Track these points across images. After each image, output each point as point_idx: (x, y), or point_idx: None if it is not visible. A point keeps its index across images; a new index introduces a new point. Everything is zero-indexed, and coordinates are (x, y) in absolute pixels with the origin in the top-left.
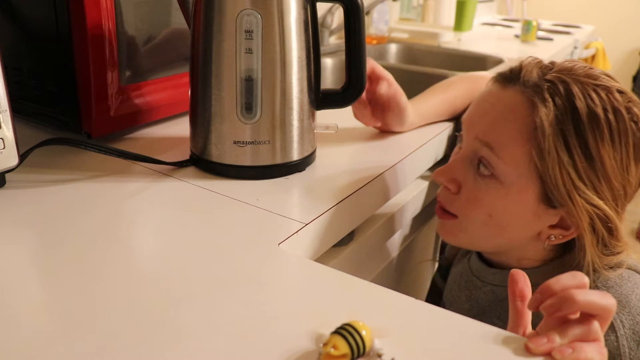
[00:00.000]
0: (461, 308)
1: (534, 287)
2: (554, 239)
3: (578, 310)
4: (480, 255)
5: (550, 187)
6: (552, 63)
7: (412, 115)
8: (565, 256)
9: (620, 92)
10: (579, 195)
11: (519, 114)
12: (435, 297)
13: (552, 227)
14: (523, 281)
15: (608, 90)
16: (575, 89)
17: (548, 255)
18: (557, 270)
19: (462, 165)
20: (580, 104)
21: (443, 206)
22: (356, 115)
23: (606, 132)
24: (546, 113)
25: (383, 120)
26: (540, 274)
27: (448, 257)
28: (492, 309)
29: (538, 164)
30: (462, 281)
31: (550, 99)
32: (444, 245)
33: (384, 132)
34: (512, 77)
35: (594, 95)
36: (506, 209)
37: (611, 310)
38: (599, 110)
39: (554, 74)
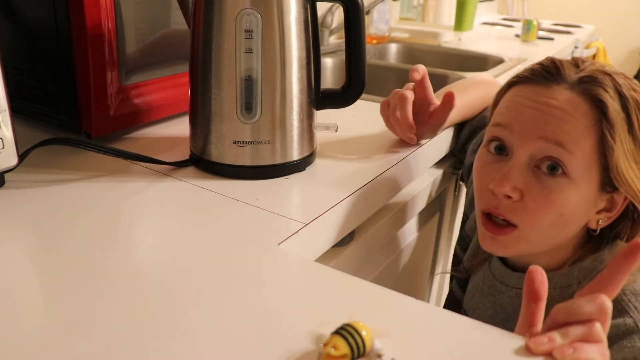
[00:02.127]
0: (484, 315)
1: (557, 289)
2: (601, 222)
3: (568, 322)
4: (502, 258)
5: (614, 173)
6: (574, 60)
7: None
8: (586, 258)
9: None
10: (635, 176)
11: (581, 109)
12: (453, 306)
13: (599, 212)
14: (540, 280)
15: (630, 79)
16: (619, 80)
17: (574, 256)
18: (579, 273)
19: (521, 171)
20: (627, 93)
21: (504, 217)
22: (390, 123)
23: None
24: (611, 104)
25: (417, 132)
26: (564, 276)
27: (468, 269)
28: (517, 314)
29: (604, 153)
30: (485, 287)
31: (607, 91)
32: (458, 257)
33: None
34: (551, 76)
35: (628, 84)
36: (577, 204)
37: (602, 310)
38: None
39: (592, 69)
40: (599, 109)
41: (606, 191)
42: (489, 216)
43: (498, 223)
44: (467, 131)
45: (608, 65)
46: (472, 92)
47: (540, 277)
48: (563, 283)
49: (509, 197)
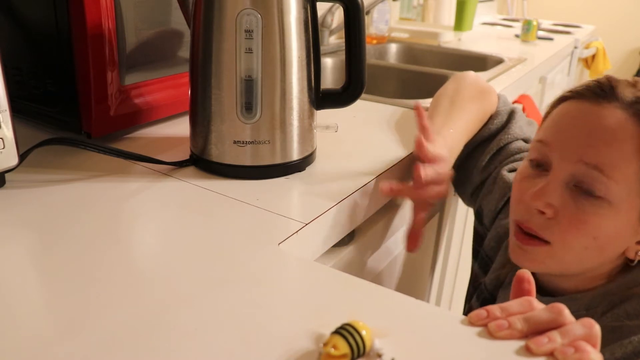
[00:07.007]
0: None
1: (583, 313)
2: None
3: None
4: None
5: None
6: (634, 79)
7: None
8: (617, 279)
9: None
10: None
11: (628, 132)
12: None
13: (639, 242)
14: (527, 289)
15: None
16: None
17: (601, 280)
18: (607, 293)
19: (556, 188)
20: None
21: (535, 233)
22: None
23: None
24: None
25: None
26: (593, 298)
27: (489, 289)
28: None
29: None
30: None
31: None
32: (477, 278)
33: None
34: (604, 94)
35: None
36: (614, 230)
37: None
38: None
39: None
40: None
41: None
42: (521, 227)
43: (530, 235)
44: (467, 150)
45: None
46: (469, 110)
47: (527, 286)
48: (592, 304)
49: (542, 212)
